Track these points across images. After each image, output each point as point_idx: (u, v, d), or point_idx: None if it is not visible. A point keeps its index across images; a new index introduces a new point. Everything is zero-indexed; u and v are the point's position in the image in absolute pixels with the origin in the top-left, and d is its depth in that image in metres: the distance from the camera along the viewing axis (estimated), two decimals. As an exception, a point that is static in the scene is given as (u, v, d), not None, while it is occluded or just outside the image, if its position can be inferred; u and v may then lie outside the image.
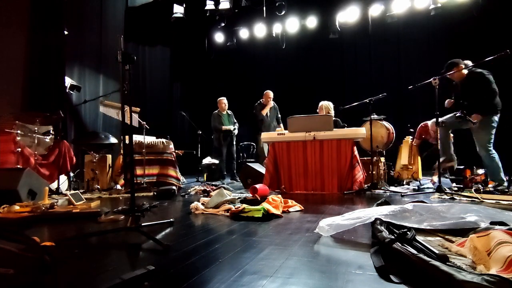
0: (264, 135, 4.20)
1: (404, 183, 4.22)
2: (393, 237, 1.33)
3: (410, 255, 1.11)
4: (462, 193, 3.01)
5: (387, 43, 6.87)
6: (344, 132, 3.79)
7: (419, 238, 1.37)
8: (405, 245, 1.24)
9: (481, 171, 3.51)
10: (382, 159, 4.20)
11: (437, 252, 1.17)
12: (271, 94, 5.51)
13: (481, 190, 3.09)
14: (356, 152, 3.68)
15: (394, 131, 4.60)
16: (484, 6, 5.55)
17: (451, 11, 5.90)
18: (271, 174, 3.92)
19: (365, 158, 4.12)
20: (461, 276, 0.90)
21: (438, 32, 6.38)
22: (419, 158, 4.43)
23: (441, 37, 6.38)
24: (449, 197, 2.95)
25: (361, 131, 3.75)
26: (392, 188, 3.74)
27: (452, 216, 1.62)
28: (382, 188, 3.66)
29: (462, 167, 3.69)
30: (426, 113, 5.27)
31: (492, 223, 1.46)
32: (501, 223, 1.42)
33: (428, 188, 3.64)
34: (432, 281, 0.98)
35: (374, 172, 3.86)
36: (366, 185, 3.65)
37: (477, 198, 2.74)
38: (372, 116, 4.34)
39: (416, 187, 3.69)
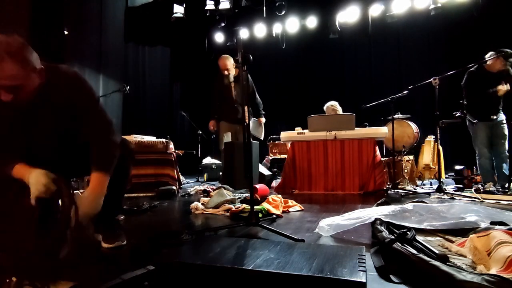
0: (284, 134, 4.02)
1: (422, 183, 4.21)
2: (393, 237, 1.33)
3: (410, 255, 1.11)
4: (462, 193, 3.01)
5: (387, 43, 6.87)
6: (366, 131, 3.76)
7: (419, 238, 1.38)
8: (405, 245, 1.24)
9: (481, 171, 3.51)
10: (405, 158, 4.17)
11: (437, 252, 1.17)
12: (227, 60, 4.04)
13: (481, 190, 3.09)
14: (378, 152, 3.66)
15: (419, 131, 4.57)
16: (484, 6, 5.55)
17: (451, 11, 5.89)
18: (286, 174, 3.91)
19: (387, 158, 4.10)
20: (461, 276, 0.90)
21: (438, 32, 6.37)
22: (442, 157, 4.38)
23: (441, 37, 6.38)
24: (449, 197, 2.95)
25: (382, 130, 3.72)
26: (417, 188, 3.69)
27: (452, 216, 1.62)
28: (406, 188, 3.61)
29: (462, 167, 3.69)
30: (426, 113, 5.28)
31: (492, 223, 1.46)
32: (501, 223, 1.42)
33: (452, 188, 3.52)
34: (432, 281, 0.98)
35: (395, 170, 3.82)
36: (388, 185, 3.60)
37: (477, 198, 2.74)
38: (397, 115, 4.32)
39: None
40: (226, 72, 4.07)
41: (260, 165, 4.64)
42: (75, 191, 2.97)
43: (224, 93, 4.09)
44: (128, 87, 4.47)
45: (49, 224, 1.53)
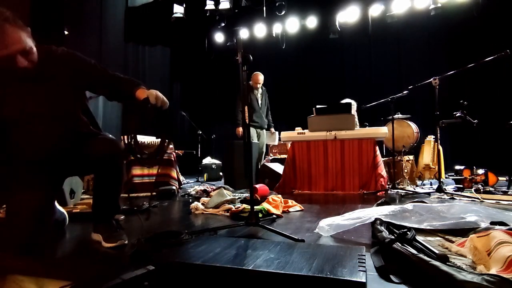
0: (284, 134, 4.09)
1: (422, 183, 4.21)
2: (393, 237, 1.33)
3: (410, 255, 1.11)
4: (462, 193, 3.01)
5: (387, 43, 6.87)
6: (366, 131, 3.77)
7: (419, 238, 1.37)
8: (405, 245, 1.24)
9: (481, 171, 3.51)
10: (405, 158, 4.17)
11: (437, 252, 1.17)
12: (261, 77, 4.86)
13: (481, 190, 3.09)
14: (378, 152, 3.66)
15: (419, 131, 4.57)
16: (484, 6, 5.55)
17: (451, 11, 5.90)
18: (286, 174, 3.92)
19: (387, 158, 4.11)
20: (461, 276, 0.90)
21: (438, 32, 6.38)
22: (442, 157, 4.31)
23: (441, 37, 6.38)
24: (449, 197, 2.94)
25: (382, 130, 3.72)
26: (417, 188, 3.70)
27: (452, 216, 1.62)
28: (406, 188, 3.61)
29: (462, 167, 3.68)
30: (426, 113, 5.28)
31: (492, 223, 1.45)
32: (501, 223, 1.42)
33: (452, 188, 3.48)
34: (432, 281, 0.98)
35: (395, 170, 3.82)
36: (388, 185, 3.61)
37: (477, 198, 2.74)
38: (397, 115, 4.31)
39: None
40: (258, 86, 4.89)
41: (278, 164, 4.54)
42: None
43: (252, 103, 4.80)
44: None
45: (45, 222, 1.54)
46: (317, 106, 4.00)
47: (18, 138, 1.45)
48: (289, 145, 4.17)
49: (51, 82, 1.47)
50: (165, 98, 1.56)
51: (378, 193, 3.35)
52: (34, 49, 1.40)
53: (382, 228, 1.49)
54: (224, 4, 6.40)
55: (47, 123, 1.47)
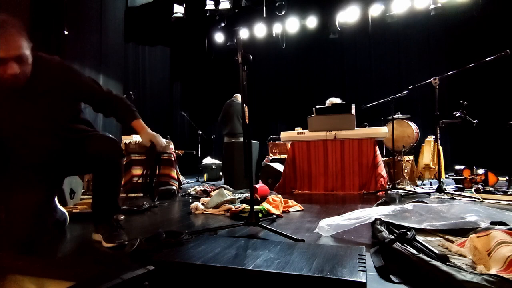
0: (284, 134, 4.11)
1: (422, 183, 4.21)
2: (393, 237, 1.33)
3: (410, 255, 1.11)
4: (462, 193, 3.01)
5: (387, 43, 6.87)
6: (366, 131, 3.76)
7: (419, 238, 1.37)
8: (405, 245, 1.24)
9: (481, 171, 3.51)
10: (405, 158, 4.16)
11: (437, 252, 1.17)
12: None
13: (481, 190, 3.09)
14: (378, 152, 3.66)
15: (419, 131, 4.58)
16: (484, 6, 5.55)
17: (451, 11, 5.90)
18: (286, 174, 3.92)
19: (387, 158, 4.11)
20: (461, 276, 0.90)
21: (438, 32, 6.38)
22: (442, 157, 4.29)
23: (441, 37, 6.38)
24: (449, 197, 2.94)
25: (382, 130, 3.72)
26: (417, 188, 3.69)
27: (452, 216, 1.62)
28: (406, 188, 3.61)
29: (462, 167, 3.69)
30: (426, 113, 5.28)
31: (492, 223, 1.45)
32: (501, 223, 1.42)
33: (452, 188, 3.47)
34: (432, 281, 0.98)
35: (395, 170, 3.82)
36: (388, 185, 3.60)
37: (477, 198, 2.74)
38: (397, 115, 4.31)
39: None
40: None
41: (280, 164, 4.55)
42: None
43: None
44: (136, 90, 4.45)
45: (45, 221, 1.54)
46: (317, 106, 4.00)
47: (12, 147, 1.44)
48: (289, 145, 4.18)
49: (42, 97, 1.44)
50: (164, 142, 1.69)
51: (378, 193, 3.35)
52: (30, 59, 1.34)
53: (382, 228, 1.49)
54: (224, 4, 6.40)
55: (38, 135, 1.46)
